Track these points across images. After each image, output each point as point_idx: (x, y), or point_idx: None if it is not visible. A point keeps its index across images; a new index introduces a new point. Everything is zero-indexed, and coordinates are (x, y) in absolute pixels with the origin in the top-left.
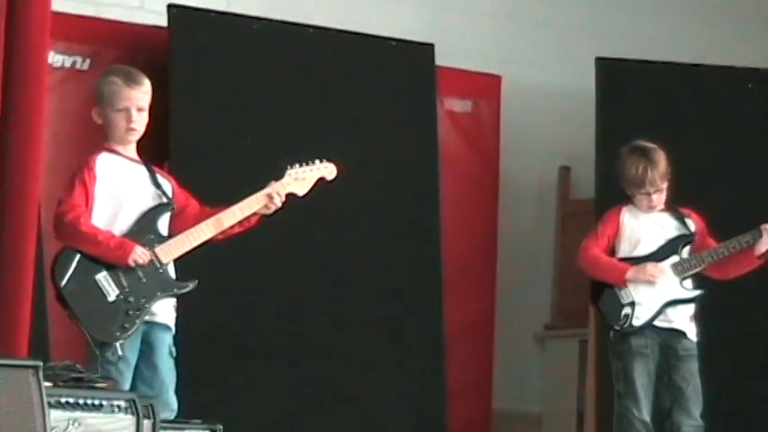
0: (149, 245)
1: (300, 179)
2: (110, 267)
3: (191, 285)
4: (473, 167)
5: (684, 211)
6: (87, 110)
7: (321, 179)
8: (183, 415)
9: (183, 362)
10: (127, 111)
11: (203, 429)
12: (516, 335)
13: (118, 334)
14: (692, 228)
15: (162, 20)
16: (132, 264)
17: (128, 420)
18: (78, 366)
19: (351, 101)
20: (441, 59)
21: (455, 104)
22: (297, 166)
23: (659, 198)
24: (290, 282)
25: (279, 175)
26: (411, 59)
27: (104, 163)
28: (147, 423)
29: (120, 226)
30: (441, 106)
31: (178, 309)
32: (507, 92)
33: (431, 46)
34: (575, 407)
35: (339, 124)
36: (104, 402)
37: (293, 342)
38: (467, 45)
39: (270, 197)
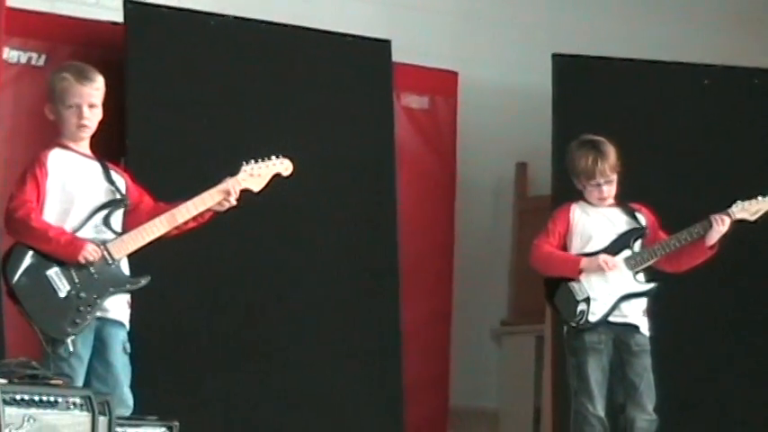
0: (101, 241)
1: (256, 175)
2: (61, 263)
3: (143, 281)
4: (430, 164)
5: (635, 206)
6: (42, 106)
7: (277, 175)
8: (140, 412)
9: (138, 358)
10: (78, 107)
11: (159, 426)
12: (473, 331)
13: (69, 330)
14: (643, 222)
15: (118, 16)
16: (83, 260)
17: (83, 417)
18: (34, 363)
19: (307, 97)
20: (398, 56)
21: (412, 101)
22: (252, 162)
23: (609, 190)
24: (246, 278)
25: (234, 171)
26: (368, 56)
27: (56, 159)
28: (102, 420)
29: (72, 222)
30: (398, 103)
31: (132, 305)
32: (464, 88)
33: (388, 42)
34: (532, 403)
35: (295, 120)
36: (60, 399)
37: (249, 339)
38: (424, 41)
39: (225, 193)
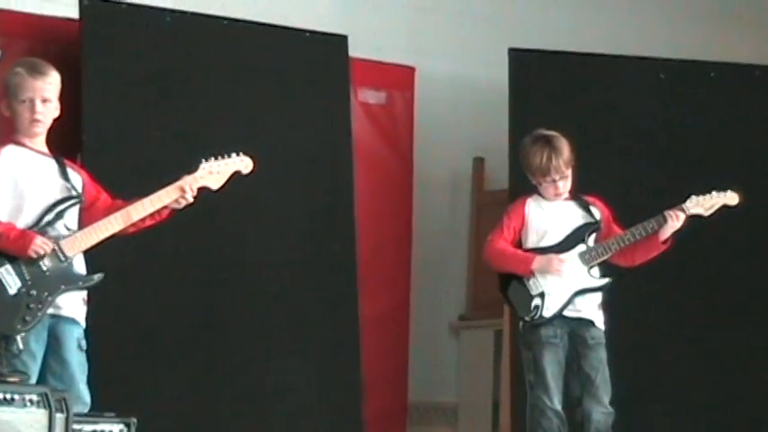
0: (54, 238)
1: (215, 173)
2: (13, 260)
3: (96, 279)
4: (387, 159)
5: (589, 199)
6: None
7: (236, 173)
8: (97, 408)
9: (95, 355)
10: (31, 101)
11: (117, 423)
12: (431, 326)
13: (19, 327)
14: (597, 216)
15: (74, 12)
16: (33, 254)
17: (40, 414)
18: None
19: (264, 93)
20: (354, 51)
21: (369, 96)
22: (212, 159)
23: (565, 185)
24: (203, 275)
25: (193, 168)
26: (324, 51)
27: (9, 156)
28: (59, 417)
29: (25, 219)
30: (354, 98)
31: (89, 302)
32: (421, 83)
33: (344, 37)
34: (490, 397)
35: (253, 116)
36: (16, 397)
37: (206, 335)
38: (380, 36)
39: (181, 190)
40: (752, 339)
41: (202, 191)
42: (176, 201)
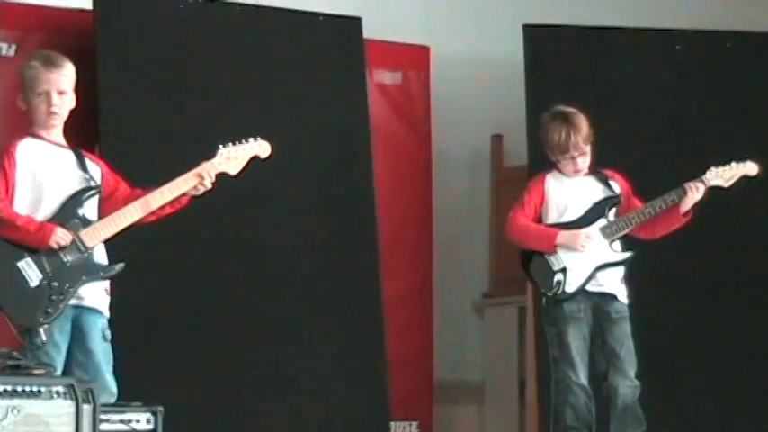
0: (74, 229)
1: (233, 158)
2: (33, 253)
3: (117, 268)
4: (405, 139)
5: (608, 173)
6: (15, 96)
7: (255, 157)
8: (123, 398)
9: (120, 345)
10: (47, 94)
11: (144, 411)
12: (454, 305)
13: (41, 319)
14: (617, 190)
15: (87, 3)
16: (54, 245)
17: (67, 406)
18: (15, 354)
19: (280, 77)
20: (368, 33)
21: (385, 77)
22: (230, 144)
23: (584, 161)
24: (224, 260)
25: (211, 155)
26: (339, 34)
27: (26, 149)
28: (86, 408)
29: (44, 211)
30: (370, 79)
31: (112, 292)
32: (436, 62)
33: (358, 19)
34: (516, 375)
35: (270, 101)
36: (43, 389)
37: (231, 321)
38: (394, 17)
39: (200, 177)
40: None
41: (221, 177)
42: (195, 188)
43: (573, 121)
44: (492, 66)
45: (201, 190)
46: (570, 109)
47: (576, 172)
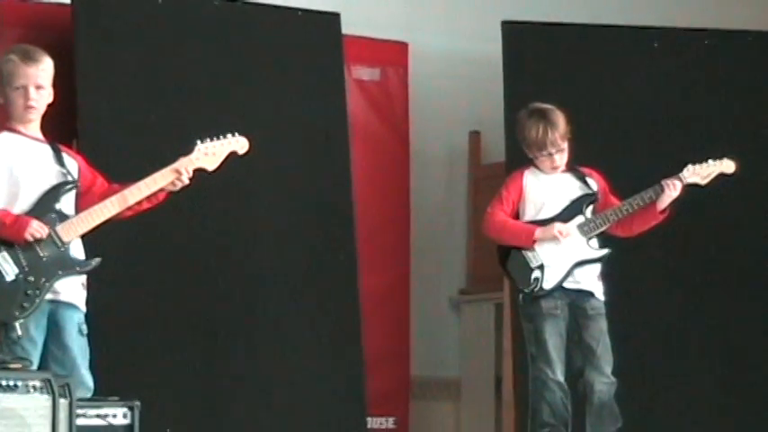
0: (50, 223)
1: (211, 154)
2: (9, 247)
3: (93, 263)
4: (383, 135)
5: (585, 170)
6: None
7: (232, 153)
8: (100, 393)
9: (96, 340)
10: (24, 88)
11: (121, 407)
12: (431, 301)
13: (17, 314)
14: (595, 187)
15: None
16: (29, 238)
17: (44, 400)
18: None
19: (259, 72)
20: (347, 28)
21: (363, 73)
22: (208, 140)
23: (561, 158)
24: (202, 256)
25: (189, 150)
26: (318, 29)
27: (4, 143)
28: (63, 402)
29: (21, 205)
30: (349, 75)
31: (89, 287)
32: (415, 59)
33: (337, 15)
34: (492, 371)
35: (248, 96)
36: (19, 383)
37: (208, 316)
38: (372, 13)
39: (177, 173)
40: (751, 306)
41: (198, 172)
42: (172, 183)
43: (550, 118)
44: (470, 62)
45: (179, 185)
46: (547, 106)
47: (554, 168)
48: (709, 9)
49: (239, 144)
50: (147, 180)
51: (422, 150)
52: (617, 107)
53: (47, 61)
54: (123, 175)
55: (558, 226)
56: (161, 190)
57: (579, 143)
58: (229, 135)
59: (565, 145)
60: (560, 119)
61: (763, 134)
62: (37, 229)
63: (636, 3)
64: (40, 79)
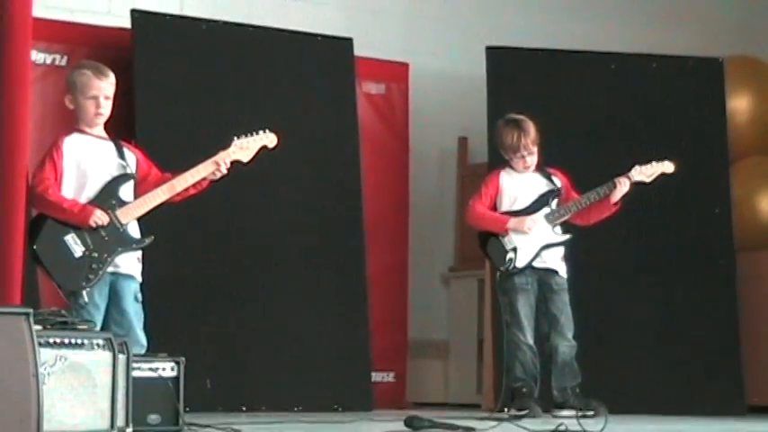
0: (111, 209)
1: (245, 148)
2: (77, 229)
3: (147, 241)
4: (387, 139)
5: (551, 170)
6: (64, 99)
7: (264, 147)
8: (152, 350)
9: (149, 305)
10: (96, 98)
11: (169, 361)
12: (426, 277)
13: (83, 284)
14: (559, 184)
15: (126, 23)
16: (93, 224)
17: (105, 356)
18: (63, 312)
19: (284, 87)
20: (358, 51)
21: (371, 88)
22: (243, 136)
23: (532, 160)
24: (238, 236)
25: (227, 145)
26: (334, 52)
27: (73, 142)
28: (121, 357)
29: (87, 194)
30: (359, 90)
31: (144, 260)
32: (414, 77)
33: (350, 40)
34: (475, 335)
35: (275, 107)
36: (85, 341)
37: (240, 287)
38: (379, 39)
39: (217, 164)
40: (684, 278)
41: (235, 164)
42: (213, 173)
43: (523, 127)
44: (460, 80)
45: (218, 175)
46: (521, 116)
47: (526, 168)
48: (657, 37)
49: (269, 139)
50: (192, 171)
51: (419, 152)
52: (579, 118)
53: (113, 77)
54: (173, 167)
55: (527, 222)
56: (204, 179)
57: (547, 147)
58: (261, 132)
59: (535, 149)
60: (531, 127)
61: (698, 140)
62: (99, 216)
63: (597, 32)
64: (108, 91)
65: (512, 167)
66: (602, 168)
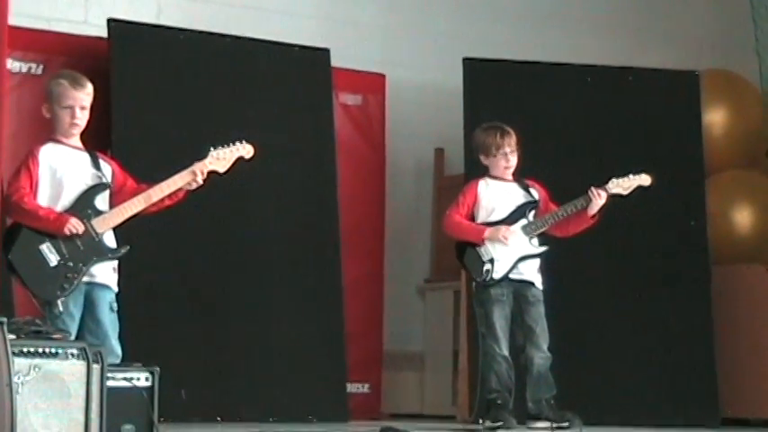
0: (86, 218)
1: (222, 159)
2: (52, 238)
3: (123, 251)
4: (363, 150)
5: (529, 182)
6: (41, 108)
7: (240, 158)
8: (126, 360)
9: (124, 315)
10: (71, 108)
11: (143, 371)
12: (401, 288)
13: (58, 293)
14: (536, 196)
15: (103, 32)
16: (68, 232)
17: (80, 365)
18: (38, 321)
19: (262, 97)
20: (335, 62)
21: (348, 99)
22: (219, 147)
23: (514, 159)
24: (213, 247)
25: (203, 156)
26: (311, 62)
27: (49, 151)
28: (96, 367)
29: (63, 203)
30: (336, 101)
31: (120, 270)
32: (391, 88)
33: (327, 51)
34: (451, 346)
35: (253, 116)
36: (60, 350)
37: (216, 296)
38: (357, 50)
39: (193, 174)
40: (658, 292)
41: (211, 174)
42: (189, 183)
43: (504, 128)
44: (436, 91)
45: (195, 186)
46: (500, 123)
47: (507, 169)
48: (633, 51)
49: (246, 150)
50: (169, 181)
51: (395, 163)
52: (555, 130)
53: (90, 87)
54: (149, 177)
55: (503, 231)
56: (180, 189)
57: (524, 159)
58: (237, 142)
59: (517, 148)
60: (512, 131)
61: (674, 153)
62: (75, 225)
63: (573, 44)
64: (84, 102)
65: (490, 176)
66: (579, 181)
